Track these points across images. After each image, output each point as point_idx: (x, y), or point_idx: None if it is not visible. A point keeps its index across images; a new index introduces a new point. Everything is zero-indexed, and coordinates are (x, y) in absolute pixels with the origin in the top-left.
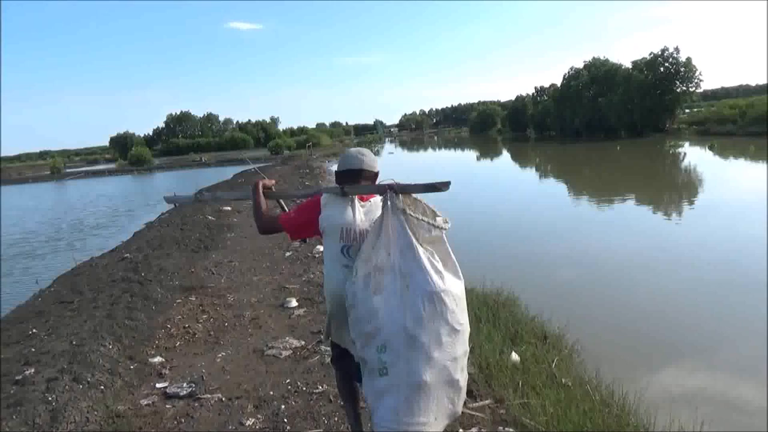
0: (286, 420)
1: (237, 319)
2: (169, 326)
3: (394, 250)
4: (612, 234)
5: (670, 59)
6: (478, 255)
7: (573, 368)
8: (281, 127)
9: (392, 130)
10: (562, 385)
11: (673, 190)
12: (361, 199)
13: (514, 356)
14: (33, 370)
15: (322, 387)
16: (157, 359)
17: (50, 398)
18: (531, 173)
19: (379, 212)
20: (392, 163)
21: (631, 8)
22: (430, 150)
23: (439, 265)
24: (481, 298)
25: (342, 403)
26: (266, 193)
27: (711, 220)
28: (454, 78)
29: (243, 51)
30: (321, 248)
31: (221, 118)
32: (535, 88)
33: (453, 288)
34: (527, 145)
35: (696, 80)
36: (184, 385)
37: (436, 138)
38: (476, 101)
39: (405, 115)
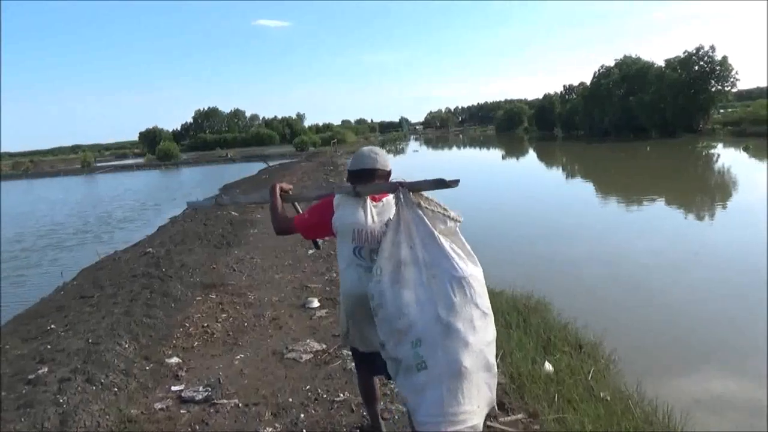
0: (305, 430)
1: (257, 319)
2: (187, 325)
3: (416, 242)
4: (642, 236)
5: (706, 58)
6: (506, 256)
7: (610, 380)
8: (307, 123)
9: (417, 127)
10: (600, 398)
11: (705, 192)
12: (374, 200)
13: (548, 366)
14: (46, 369)
15: (344, 395)
16: (174, 360)
17: (61, 400)
18: (558, 173)
19: (391, 212)
20: (417, 163)
21: (664, 7)
22: (455, 148)
23: (461, 252)
24: (510, 302)
25: (363, 404)
26: (283, 195)
27: (745, 224)
28: (480, 76)
29: (270, 48)
30: None
31: (248, 114)
32: (564, 86)
33: (476, 273)
34: (554, 145)
35: (732, 79)
36: (201, 388)
37: (461, 136)
38: (503, 99)
39: (430, 112)
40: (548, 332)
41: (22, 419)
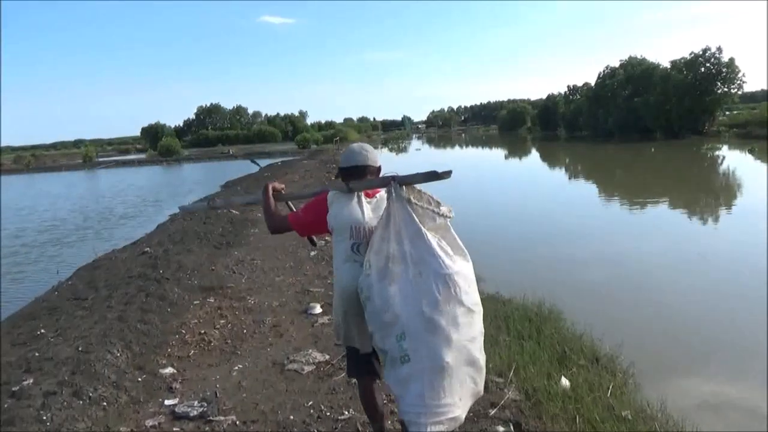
0: None
1: (257, 326)
2: (183, 332)
3: (404, 239)
4: (647, 239)
5: (712, 59)
6: (513, 262)
7: (630, 396)
8: (309, 121)
9: (420, 126)
10: (621, 418)
11: (710, 194)
12: (367, 195)
13: (564, 381)
14: (32, 381)
15: (349, 412)
16: (168, 370)
17: (45, 417)
18: (561, 174)
19: (384, 207)
20: (419, 161)
21: (668, 8)
22: (457, 147)
23: (449, 249)
24: (521, 310)
25: (369, 421)
26: (275, 195)
27: (750, 226)
28: (483, 76)
29: (274, 45)
30: None
31: (250, 111)
32: (568, 86)
33: (464, 270)
34: (557, 145)
35: (738, 82)
36: (196, 403)
37: (463, 135)
38: (506, 99)
39: (433, 111)
40: (562, 343)
41: None
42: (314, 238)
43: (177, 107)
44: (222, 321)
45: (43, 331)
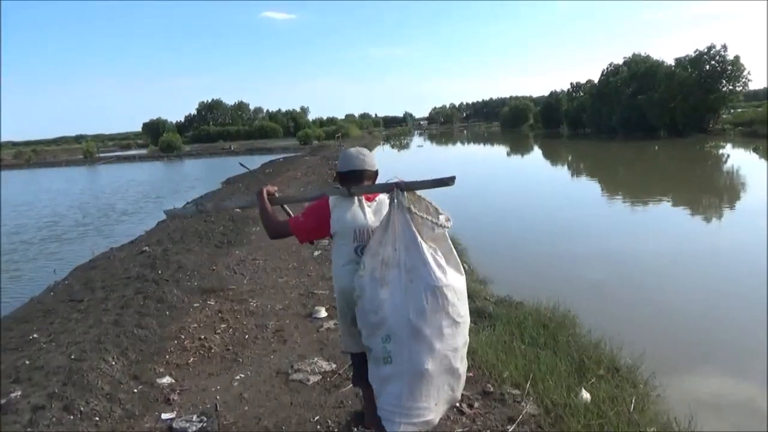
0: None
1: (259, 331)
2: (182, 337)
3: (400, 245)
4: (655, 239)
5: (717, 57)
6: (518, 261)
7: (654, 409)
8: (311, 117)
9: (421, 123)
10: None
11: (713, 192)
12: (367, 199)
13: (585, 394)
14: (20, 393)
15: (358, 429)
16: (166, 380)
17: None
18: (564, 171)
19: (385, 211)
20: (422, 159)
21: (668, 7)
22: (459, 144)
23: (442, 261)
24: (534, 315)
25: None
26: (270, 198)
27: (755, 225)
28: (485, 72)
29: (276, 41)
30: None
31: (251, 107)
32: (571, 83)
33: (455, 282)
34: (560, 142)
35: (744, 80)
36: (194, 417)
37: (465, 132)
38: (508, 96)
39: (435, 108)
40: (580, 352)
41: None
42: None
43: (178, 103)
44: (223, 325)
45: (35, 336)
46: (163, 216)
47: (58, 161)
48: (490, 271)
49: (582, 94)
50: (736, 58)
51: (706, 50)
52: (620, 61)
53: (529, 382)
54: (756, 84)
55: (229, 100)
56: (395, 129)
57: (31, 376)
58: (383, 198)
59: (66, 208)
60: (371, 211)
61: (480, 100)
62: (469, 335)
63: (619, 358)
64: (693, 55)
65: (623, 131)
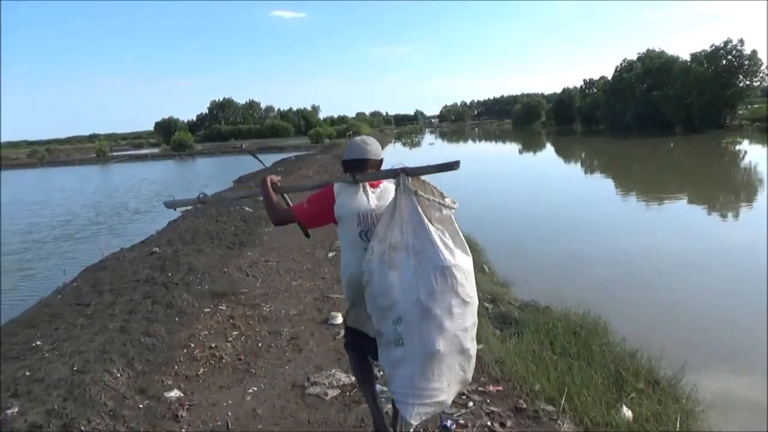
0: None
1: (273, 338)
2: (192, 345)
3: (408, 228)
4: (674, 238)
5: (734, 52)
6: (539, 264)
7: (701, 427)
8: (322, 115)
9: (432, 120)
10: None
11: (730, 190)
12: (372, 186)
13: (626, 412)
14: (17, 409)
15: None
16: (174, 394)
17: None
18: (578, 169)
19: (389, 196)
20: (434, 156)
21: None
22: (470, 142)
23: (450, 242)
24: (563, 321)
25: (359, 385)
26: (274, 187)
27: None
28: (496, 70)
29: (286, 39)
30: None
31: (263, 106)
32: (584, 80)
33: (462, 263)
34: (574, 139)
35: (761, 74)
36: None
37: (476, 130)
38: (519, 93)
39: (446, 106)
40: (616, 363)
41: None
42: (308, 230)
43: (190, 102)
44: (235, 332)
45: (39, 343)
46: (172, 213)
47: (72, 160)
48: (509, 272)
49: (595, 90)
50: (753, 52)
51: (722, 45)
52: (634, 57)
53: (564, 397)
54: None
55: (241, 99)
56: (406, 127)
57: (30, 389)
58: (387, 185)
59: (79, 207)
60: (375, 197)
61: (491, 97)
62: (496, 344)
63: (658, 369)
64: (709, 50)
65: (638, 128)
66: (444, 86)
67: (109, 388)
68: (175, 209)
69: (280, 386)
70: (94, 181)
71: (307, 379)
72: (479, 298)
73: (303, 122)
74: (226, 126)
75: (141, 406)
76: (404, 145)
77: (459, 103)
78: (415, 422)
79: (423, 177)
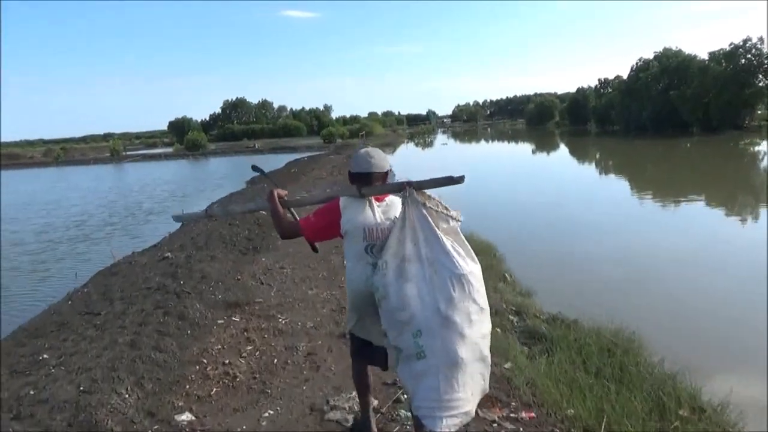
0: None
1: (289, 354)
2: (205, 362)
3: (420, 240)
4: (690, 241)
5: (753, 50)
6: (560, 271)
7: None
8: (334, 115)
9: (445, 120)
10: None
11: (749, 191)
12: (377, 200)
13: None
14: None
15: None
16: (185, 417)
17: None
18: (593, 170)
19: (395, 210)
20: (449, 157)
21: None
22: (483, 142)
23: (461, 251)
24: (594, 338)
25: (358, 395)
26: (281, 201)
27: None
28: (509, 69)
29: (297, 39)
30: None
31: (275, 105)
32: (599, 79)
33: (475, 270)
34: (588, 139)
35: None
36: None
37: (489, 130)
38: (532, 93)
39: (458, 105)
40: (655, 386)
41: None
42: (316, 245)
43: (203, 101)
44: (249, 347)
45: (45, 356)
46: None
47: (86, 159)
48: (530, 279)
49: (610, 90)
50: None
51: (741, 43)
52: (650, 56)
53: (603, 426)
54: None
55: (253, 99)
56: (418, 127)
57: (33, 411)
58: (393, 199)
59: (95, 207)
60: (380, 211)
61: (504, 97)
62: (526, 363)
63: (701, 393)
64: (728, 48)
65: (654, 128)
66: (456, 86)
67: (117, 411)
68: (183, 223)
69: (298, 410)
70: (108, 181)
71: (326, 402)
72: (503, 310)
73: (315, 122)
74: (239, 125)
75: (150, 431)
76: (417, 145)
77: (471, 103)
78: None
79: (427, 191)
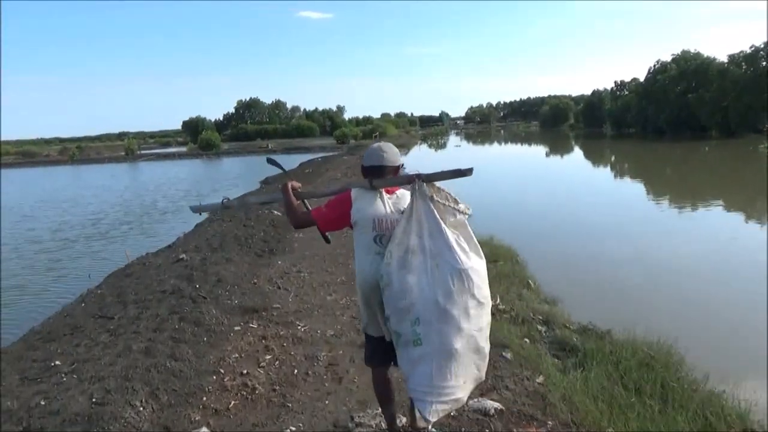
0: None
1: (309, 364)
2: (222, 372)
3: (424, 233)
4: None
5: None
6: (584, 277)
7: None
8: (347, 116)
9: (458, 122)
10: None
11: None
12: (388, 192)
13: None
14: None
15: None
16: None
17: None
18: (609, 173)
19: (405, 203)
20: (460, 156)
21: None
22: (497, 144)
23: (465, 246)
24: (630, 350)
25: (380, 406)
26: (295, 193)
27: None
28: (522, 71)
29: (312, 39)
30: None
31: (289, 106)
32: (615, 82)
33: (477, 266)
34: (604, 142)
35: None
36: None
37: (502, 132)
38: (546, 95)
39: (471, 107)
40: (701, 405)
41: None
42: (328, 236)
43: (217, 101)
44: (268, 356)
45: (58, 362)
46: (197, 216)
47: (101, 158)
48: (554, 285)
49: (627, 92)
50: None
51: (762, 46)
52: (668, 58)
53: None
54: None
55: (267, 99)
56: (431, 128)
57: (44, 424)
58: (404, 192)
59: (110, 206)
60: (391, 203)
61: (517, 99)
62: (559, 377)
63: (749, 413)
64: (748, 51)
65: (671, 131)
66: (469, 87)
67: (131, 426)
68: (200, 213)
69: (321, 426)
70: (123, 179)
71: (350, 419)
72: (531, 319)
73: (329, 122)
74: (253, 125)
75: None
76: (430, 146)
77: (485, 105)
78: (432, 419)
79: (437, 183)
